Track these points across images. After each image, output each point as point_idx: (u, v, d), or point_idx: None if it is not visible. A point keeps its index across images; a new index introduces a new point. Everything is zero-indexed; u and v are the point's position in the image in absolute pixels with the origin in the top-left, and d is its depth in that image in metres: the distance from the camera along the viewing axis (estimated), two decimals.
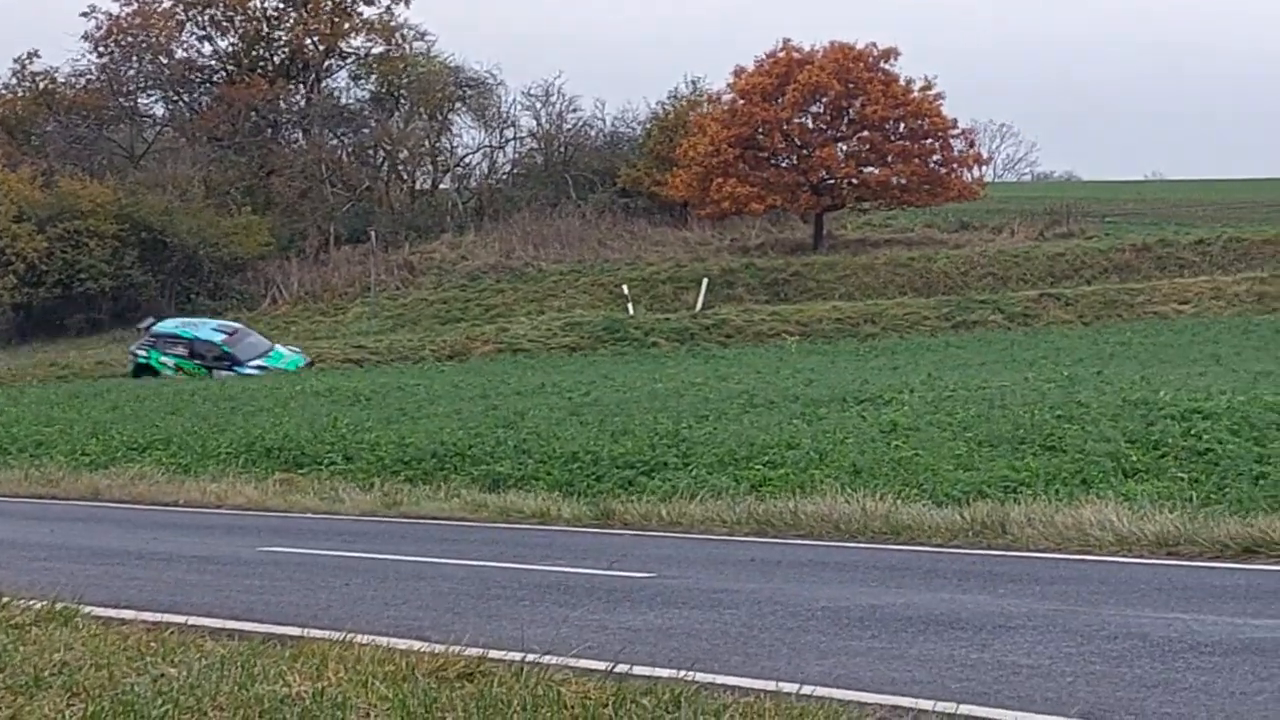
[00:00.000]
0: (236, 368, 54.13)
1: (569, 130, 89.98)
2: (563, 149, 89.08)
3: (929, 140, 76.19)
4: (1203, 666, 10.80)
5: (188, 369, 54.39)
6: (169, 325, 58.62)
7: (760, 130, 75.65)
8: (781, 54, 77.07)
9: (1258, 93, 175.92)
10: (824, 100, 76.07)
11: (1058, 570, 16.08)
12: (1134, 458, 21.59)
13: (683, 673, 10.25)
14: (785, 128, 75.91)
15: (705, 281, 69.95)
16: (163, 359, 55.27)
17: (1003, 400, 28.07)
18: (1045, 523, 18.09)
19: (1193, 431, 22.71)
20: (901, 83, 76.21)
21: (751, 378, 38.68)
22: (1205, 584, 14.81)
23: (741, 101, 76.44)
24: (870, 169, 76.13)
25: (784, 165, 76.44)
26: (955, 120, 77.03)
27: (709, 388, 35.09)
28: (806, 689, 9.88)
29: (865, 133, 75.97)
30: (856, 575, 16.16)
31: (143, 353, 55.92)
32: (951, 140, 76.89)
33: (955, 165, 76.97)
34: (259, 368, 54.27)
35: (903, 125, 76.04)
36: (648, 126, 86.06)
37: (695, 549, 18.96)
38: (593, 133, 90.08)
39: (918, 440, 24.33)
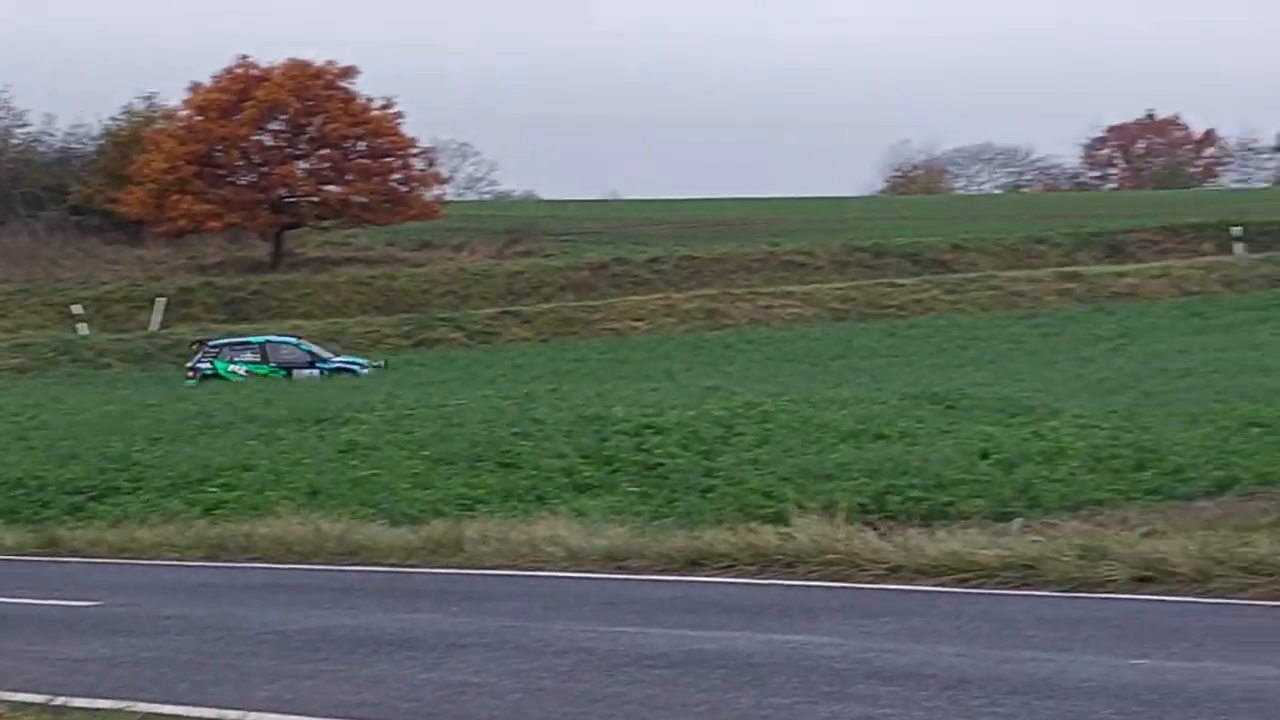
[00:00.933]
0: (321, 365, 53.30)
1: (16, 145, 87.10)
2: (10, 164, 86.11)
3: (389, 159, 76.35)
4: (646, 680, 10.99)
5: (261, 373, 53.02)
6: (224, 339, 57.13)
7: (218, 147, 74.59)
8: (240, 70, 76.20)
9: (706, 114, 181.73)
10: (283, 117, 75.50)
11: (510, 587, 16.21)
12: (587, 473, 22.02)
13: (125, 704, 10.00)
14: (244, 145, 75.05)
15: (162, 300, 68.56)
16: (231, 367, 53.74)
17: (460, 418, 28.24)
18: (500, 540, 18.20)
19: (644, 446, 23.27)
20: (361, 101, 76.20)
21: (208, 398, 38.05)
22: (652, 597, 15.12)
23: (199, 118, 75.25)
24: (331, 187, 75.86)
25: (243, 183, 75.54)
26: (416, 139, 77.47)
27: (163, 409, 34.38)
28: (252, 715, 9.72)
29: (325, 150, 75.71)
30: (309, 597, 16.00)
31: (206, 365, 54.08)
32: (412, 159, 77.21)
33: (416, 184, 77.26)
34: (348, 362, 53.60)
35: (363, 144, 76.03)
36: (101, 143, 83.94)
37: (144, 575, 18.55)
38: (42, 149, 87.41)
39: (376, 459, 24.34)
